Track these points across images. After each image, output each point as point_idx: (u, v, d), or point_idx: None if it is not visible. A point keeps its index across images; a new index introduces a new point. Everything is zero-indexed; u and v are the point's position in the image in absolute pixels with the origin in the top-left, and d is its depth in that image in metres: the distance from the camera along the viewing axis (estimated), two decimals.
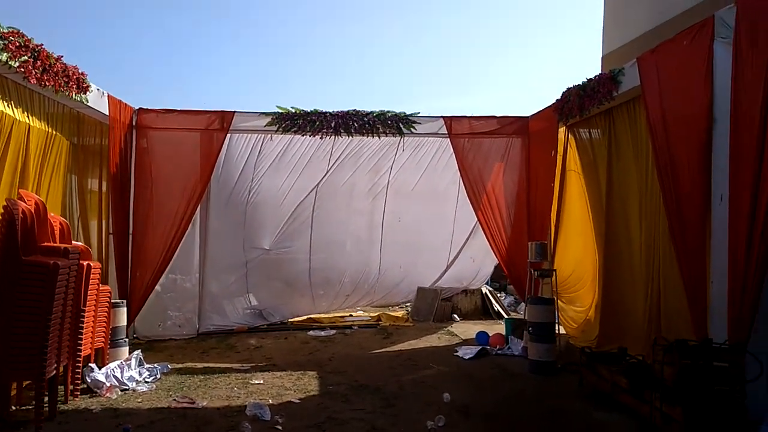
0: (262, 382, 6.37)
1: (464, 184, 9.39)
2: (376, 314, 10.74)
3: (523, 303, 11.84)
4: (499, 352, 7.85)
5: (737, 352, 4.60)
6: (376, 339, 8.92)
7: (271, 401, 5.61)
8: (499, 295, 11.94)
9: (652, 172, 6.73)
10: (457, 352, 7.84)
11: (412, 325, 10.06)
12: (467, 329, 9.57)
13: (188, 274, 9.41)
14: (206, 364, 7.24)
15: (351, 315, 10.88)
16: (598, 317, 8.01)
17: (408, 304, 11.59)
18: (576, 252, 8.96)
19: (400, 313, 10.94)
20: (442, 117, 9.48)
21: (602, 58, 9.62)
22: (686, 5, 7.51)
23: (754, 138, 4.79)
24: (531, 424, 5.12)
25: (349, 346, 8.42)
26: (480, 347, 7.85)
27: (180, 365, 7.11)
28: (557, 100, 8.45)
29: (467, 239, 10.96)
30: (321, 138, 9.40)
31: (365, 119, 9.32)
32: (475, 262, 11.12)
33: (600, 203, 8.18)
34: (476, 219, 9.73)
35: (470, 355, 7.57)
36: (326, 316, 10.66)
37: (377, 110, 9.37)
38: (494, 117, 9.59)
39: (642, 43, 8.38)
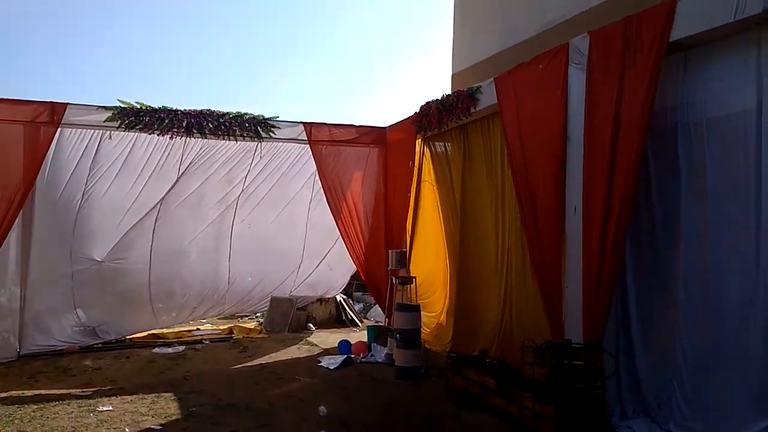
0: (111, 408, 5.63)
1: (324, 192, 9.30)
2: (227, 327, 10.15)
3: (373, 309, 12.09)
4: (363, 360, 7.84)
5: (595, 351, 5.06)
6: (232, 353, 8.41)
7: (128, 430, 4.98)
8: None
9: (506, 185, 7.24)
10: (321, 362, 7.68)
11: (267, 337, 9.66)
12: (325, 338, 9.44)
13: (1, 288, 8.10)
14: (37, 391, 6.23)
15: (198, 329, 10.16)
16: (451, 322, 8.40)
17: (259, 315, 11.15)
18: (428, 260, 9.33)
19: (252, 325, 10.46)
20: (302, 123, 9.30)
21: (452, 76, 10.14)
22: (533, 32, 8.16)
23: (605, 155, 5.33)
24: (410, 430, 5.14)
25: (203, 362, 7.83)
26: (344, 356, 7.77)
27: (4, 394, 6.05)
28: (416, 113, 8.73)
29: (330, 248, 10.83)
30: (171, 138, 8.66)
31: (221, 120, 8.79)
32: (332, 270, 11.05)
33: (453, 214, 8.61)
34: (331, 225, 9.74)
35: (335, 365, 7.46)
36: (171, 331, 9.83)
37: (234, 111, 8.90)
38: (353, 126, 9.65)
39: (491, 64, 8.96)
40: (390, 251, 8.64)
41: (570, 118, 5.90)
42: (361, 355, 8.00)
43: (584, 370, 4.95)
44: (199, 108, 8.68)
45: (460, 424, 5.34)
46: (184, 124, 8.56)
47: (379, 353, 7.87)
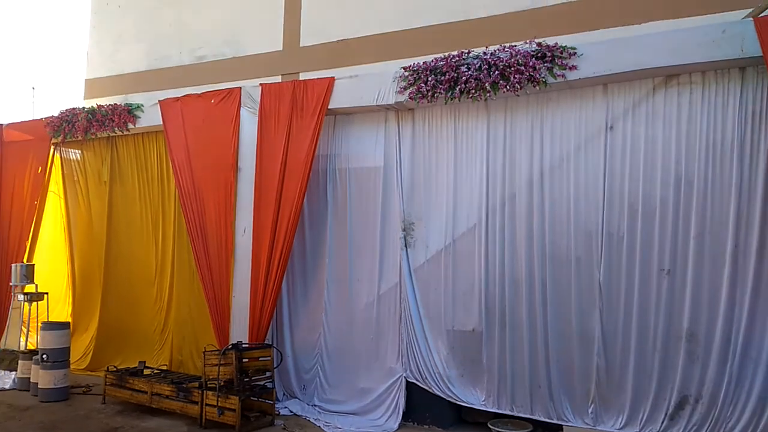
0: None
1: None
2: None
3: None
4: None
5: (266, 349, 6.12)
6: None
7: None
8: None
9: (167, 203, 7.64)
10: None
11: None
12: None
13: None
14: None
15: None
16: (88, 339, 8.16)
17: None
18: (46, 275, 8.66)
19: None
20: None
21: (86, 80, 9.70)
22: (184, 62, 8.75)
23: (274, 186, 6.44)
24: None
25: None
26: None
27: None
28: (54, 116, 8.17)
29: None
30: None
31: None
32: None
33: (87, 227, 8.42)
34: None
35: None
36: None
37: None
38: None
39: (132, 81, 9.08)
40: (13, 265, 7.74)
41: (241, 152, 6.79)
42: None
43: (258, 366, 5.95)
44: None
45: (141, 431, 5.56)
46: None
47: (5, 379, 7.00)
